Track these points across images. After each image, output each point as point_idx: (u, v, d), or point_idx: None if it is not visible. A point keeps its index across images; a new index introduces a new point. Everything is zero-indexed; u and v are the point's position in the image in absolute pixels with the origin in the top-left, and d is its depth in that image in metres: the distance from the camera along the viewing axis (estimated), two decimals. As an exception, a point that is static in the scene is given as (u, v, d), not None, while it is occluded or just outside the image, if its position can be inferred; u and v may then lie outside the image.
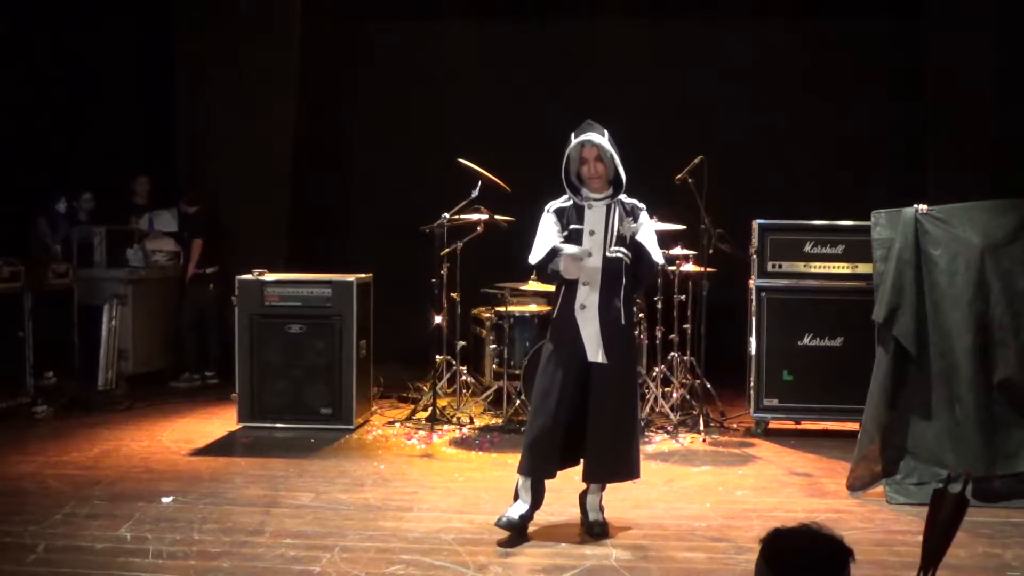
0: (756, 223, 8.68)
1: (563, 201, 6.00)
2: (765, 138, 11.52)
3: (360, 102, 12.38)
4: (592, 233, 5.86)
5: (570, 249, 5.79)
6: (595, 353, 5.81)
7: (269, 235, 11.29)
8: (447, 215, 8.77)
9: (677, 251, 8.97)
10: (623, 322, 5.89)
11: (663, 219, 8.84)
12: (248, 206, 11.24)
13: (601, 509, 6.06)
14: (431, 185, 10.34)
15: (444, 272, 9.03)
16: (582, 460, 5.99)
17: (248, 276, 8.86)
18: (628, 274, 5.91)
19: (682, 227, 8.97)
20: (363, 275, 9.02)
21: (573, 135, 5.90)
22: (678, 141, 10.21)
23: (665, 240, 8.99)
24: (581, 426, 5.87)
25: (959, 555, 5.46)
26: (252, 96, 11.35)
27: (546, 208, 6.04)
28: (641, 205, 6.00)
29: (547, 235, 5.94)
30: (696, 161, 8.58)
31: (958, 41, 10.79)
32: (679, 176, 8.58)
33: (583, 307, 5.83)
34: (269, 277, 8.88)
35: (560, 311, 5.93)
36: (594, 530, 5.95)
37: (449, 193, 8.95)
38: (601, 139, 5.85)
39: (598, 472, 5.97)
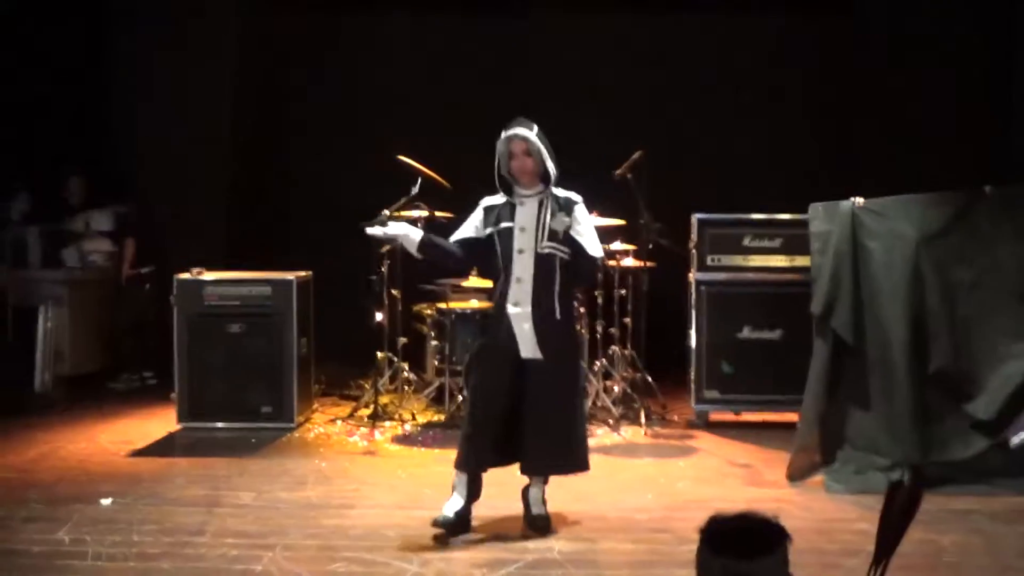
0: (695, 217, 8.74)
1: (498, 198, 6.00)
2: (704, 133, 11.56)
3: (298, 99, 12.27)
4: (523, 230, 5.85)
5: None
6: (528, 349, 5.81)
7: (207, 234, 11.19)
8: (387, 212, 8.72)
9: (617, 246, 9.00)
10: (558, 317, 5.86)
11: (603, 214, 8.88)
12: (186, 205, 11.13)
13: (544, 503, 6.06)
14: (371, 182, 10.26)
15: (385, 269, 9.01)
16: (523, 455, 5.96)
17: (186, 275, 8.78)
18: (563, 269, 5.89)
19: (621, 222, 9.01)
20: (303, 273, 8.97)
21: (503, 132, 5.90)
22: (617, 136, 10.22)
23: (604, 235, 9.02)
24: (519, 422, 5.86)
25: (897, 542, 5.54)
26: (188, 93, 11.24)
27: (481, 202, 6.07)
28: (577, 198, 5.96)
29: (470, 225, 6.03)
30: (636, 156, 8.61)
31: (888, 40, 10.94)
32: (618, 171, 8.61)
33: (516, 303, 5.83)
34: (208, 276, 8.80)
35: (495, 307, 5.96)
36: (537, 524, 5.95)
37: (389, 190, 8.91)
38: (529, 132, 5.83)
39: (537, 465, 5.96)
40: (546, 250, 5.83)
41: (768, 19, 11.74)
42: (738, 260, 8.69)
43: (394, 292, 9.20)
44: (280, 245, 11.90)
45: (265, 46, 11.93)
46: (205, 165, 11.32)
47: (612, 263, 8.98)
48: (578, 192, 6.04)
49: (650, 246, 8.80)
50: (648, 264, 8.84)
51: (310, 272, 9.12)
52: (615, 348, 9.25)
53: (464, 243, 6.05)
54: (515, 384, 5.84)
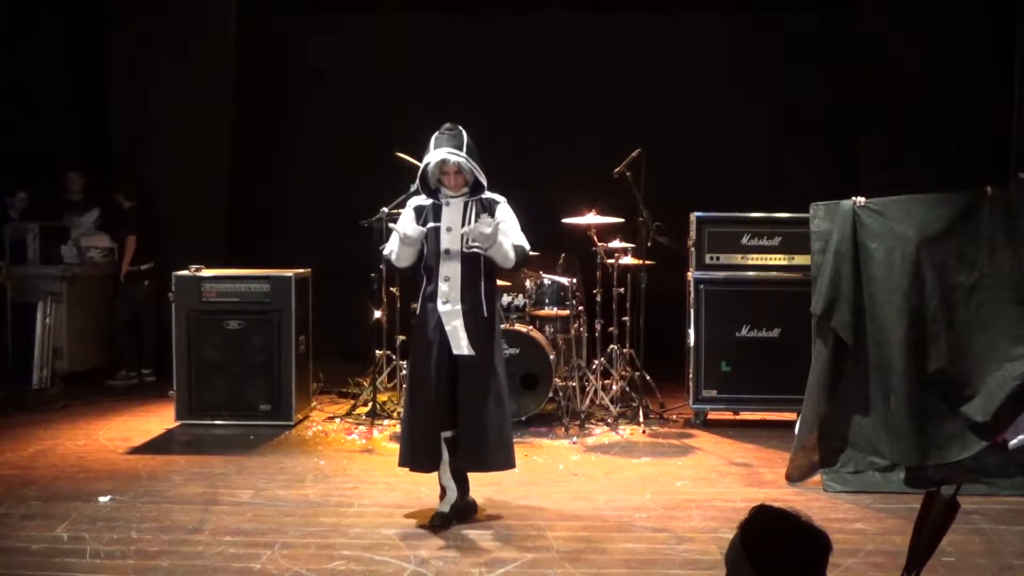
0: (694, 216, 8.73)
1: (424, 199, 6.14)
2: (703, 131, 11.57)
3: (298, 96, 12.27)
4: (449, 230, 6.01)
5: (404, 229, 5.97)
6: (460, 346, 5.94)
7: (207, 232, 11.18)
8: (386, 209, 8.75)
9: (616, 244, 9.00)
10: (485, 314, 6.02)
11: (601, 212, 8.89)
12: (186, 203, 11.11)
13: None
14: (370, 179, 10.29)
15: (383, 267, 9.00)
16: (457, 452, 6.04)
17: (185, 272, 8.77)
18: (487, 267, 6.05)
19: (620, 220, 9.02)
20: (302, 270, 8.97)
21: (432, 143, 6.01)
22: (616, 134, 10.24)
23: (604, 233, 9.04)
24: (453, 419, 5.97)
25: (895, 542, 5.55)
26: (188, 92, 11.23)
27: (409, 203, 6.25)
28: (499, 198, 6.14)
29: (400, 229, 6.09)
30: (634, 154, 8.61)
31: (890, 39, 10.93)
32: (617, 170, 8.61)
33: (445, 302, 5.96)
34: (206, 273, 8.79)
35: (423, 307, 6.09)
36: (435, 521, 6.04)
37: (388, 187, 8.92)
38: (458, 156, 5.93)
39: (472, 463, 6.05)
40: (472, 250, 5.98)
41: (769, 18, 11.74)
42: (737, 259, 8.67)
43: (393, 290, 9.19)
44: (279, 242, 11.91)
45: (265, 46, 11.92)
46: (205, 163, 11.31)
47: (611, 261, 9.00)
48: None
49: (649, 244, 8.80)
50: (647, 262, 8.85)
51: (309, 269, 9.11)
52: (614, 347, 9.25)
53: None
54: (449, 382, 5.96)
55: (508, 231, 6.07)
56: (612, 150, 8.89)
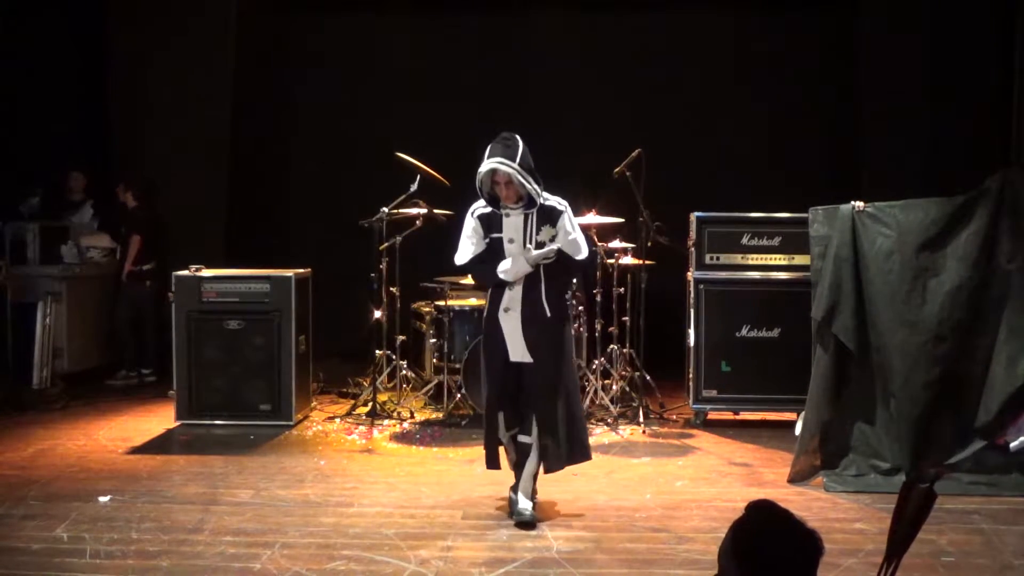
0: (694, 216, 8.72)
1: (485, 206, 6.11)
2: (703, 131, 11.56)
3: (298, 96, 12.27)
4: (511, 241, 6.04)
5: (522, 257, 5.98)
6: (518, 354, 6.05)
7: (207, 232, 11.18)
8: (386, 209, 8.75)
9: (616, 244, 9.00)
10: (549, 318, 6.03)
11: (602, 212, 8.89)
12: (186, 202, 11.10)
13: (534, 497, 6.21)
14: (370, 179, 10.30)
15: (383, 267, 9.00)
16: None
17: (185, 272, 8.77)
18: (551, 273, 6.06)
19: (620, 220, 9.02)
20: (302, 270, 8.97)
21: (487, 152, 5.95)
22: (616, 134, 10.24)
23: (604, 233, 9.05)
24: (519, 417, 6.13)
25: (895, 542, 5.54)
26: (189, 92, 11.23)
27: (471, 211, 6.17)
28: (562, 206, 6.09)
29: (472, 241, 6.13)
30: (634, 154, 8.61)
31: (890, 39, 10.93)
32: (617, 169, 8.61)
33: (507, 309, 6.06)
34: (206, 273, 8.78)
35: (488, 314, 6.18)
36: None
37: (388, 187, 8.93)
38: (508, 166, 5.87)
39: (552, 462, 6.11)
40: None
41: (769, 18, 11.72)
42: (737, 259, 8.67)
43: (393, 290, 9.19)
44: (279, 243, 11.90)
45: (265, 46, 11.92)
46: (205, 163, 11.31)
47: (611, 261, 8.99)
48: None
49: (649, 244, 8.79)
50: (647, 262, 8.84)
51: (309, 269, 9.11)
52: (614, 347, 9.24)
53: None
54: (513, 385, 6.09)
55: (569, 242, 6.05)
56: (612, 150, 8.89)
